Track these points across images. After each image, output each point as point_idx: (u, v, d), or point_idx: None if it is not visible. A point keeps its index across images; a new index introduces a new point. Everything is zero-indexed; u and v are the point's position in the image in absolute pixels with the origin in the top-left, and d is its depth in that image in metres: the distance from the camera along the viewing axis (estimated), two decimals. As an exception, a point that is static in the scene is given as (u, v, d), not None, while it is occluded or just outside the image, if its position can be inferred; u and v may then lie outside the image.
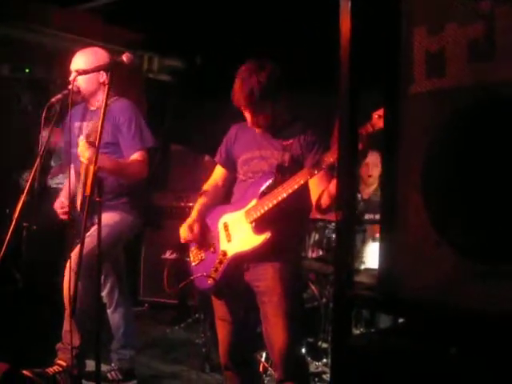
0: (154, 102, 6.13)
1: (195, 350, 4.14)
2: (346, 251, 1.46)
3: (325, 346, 3.81)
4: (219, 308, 2.81)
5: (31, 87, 4.91)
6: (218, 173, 3.00)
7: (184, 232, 2.79)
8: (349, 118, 1.46)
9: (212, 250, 2.77)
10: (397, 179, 1.45)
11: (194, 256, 2.85)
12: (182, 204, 5.54)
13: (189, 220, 2.82)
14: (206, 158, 5.57)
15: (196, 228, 2.77)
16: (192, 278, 2.79)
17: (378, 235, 4.10)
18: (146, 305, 5.59)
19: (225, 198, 2.98)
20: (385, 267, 1.46)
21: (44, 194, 4.46)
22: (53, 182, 4.72)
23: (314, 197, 2.63)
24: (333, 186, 2.46)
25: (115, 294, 3.55)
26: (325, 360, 3.76)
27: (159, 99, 6.24)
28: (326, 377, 3.66)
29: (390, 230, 1.45)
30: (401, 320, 2.26)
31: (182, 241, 2.82)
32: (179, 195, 5.66)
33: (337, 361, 1.51)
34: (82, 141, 3.14)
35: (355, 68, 1.44)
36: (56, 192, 2.93)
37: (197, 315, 4.40)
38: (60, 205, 3.45)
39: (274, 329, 2.61)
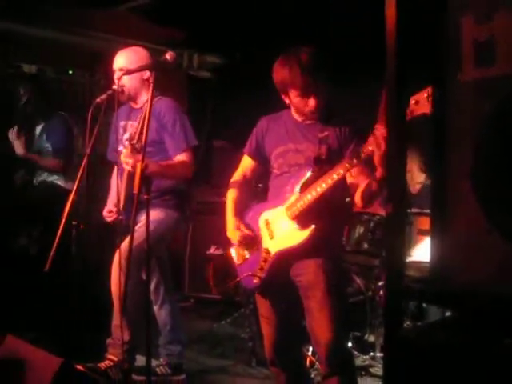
0: (194, 99, 6.18)
1: (241, 344, 4.16)
2: (396, 244, 1.45)
3: (371, 339, 3.79)
4: (262, 307, 2.81)
5: (32, 83, 4.94)
6: (246, 164, 2.98)
7: (234, 235, 2.78)
8: (396, 107, 1.44)
9: (255, 248, 2.76)
10: (446, 170, 1.43)
11: (238, 255, 2.84)
12: (225, 199, 5.56)
13: (230, 223, 2.83)
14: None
15: (243, 227, 2.78)
16: (239, 278, 2.80)
17: (424, 228, 4.03)
18: (192, 300, 5.63)
19: (252, 190, 2.97)
20: (436, 258, 1.44)
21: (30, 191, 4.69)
22: (37, 180, 4.78)
23: (353, 192, 2.60)
24: (372, 181, 2.45)
25: (161, 290, 3.58)
26: (372, 353, 3.74)
27: (200, 96, 6.27)
28: (373, 370, 3.65)
29: (440, 220, 1.43)
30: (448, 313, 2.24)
31: (236, 243, 2.81)
32: (222, 191, 5.68)
33: (389, 353, 1.50)
34: (125, 148, 3.16)
35: (401, 56, 1.42)
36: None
37: (242, 310, 4.42)
38: (107, 213, 3.49)
39: (319, 323, 2.59)
